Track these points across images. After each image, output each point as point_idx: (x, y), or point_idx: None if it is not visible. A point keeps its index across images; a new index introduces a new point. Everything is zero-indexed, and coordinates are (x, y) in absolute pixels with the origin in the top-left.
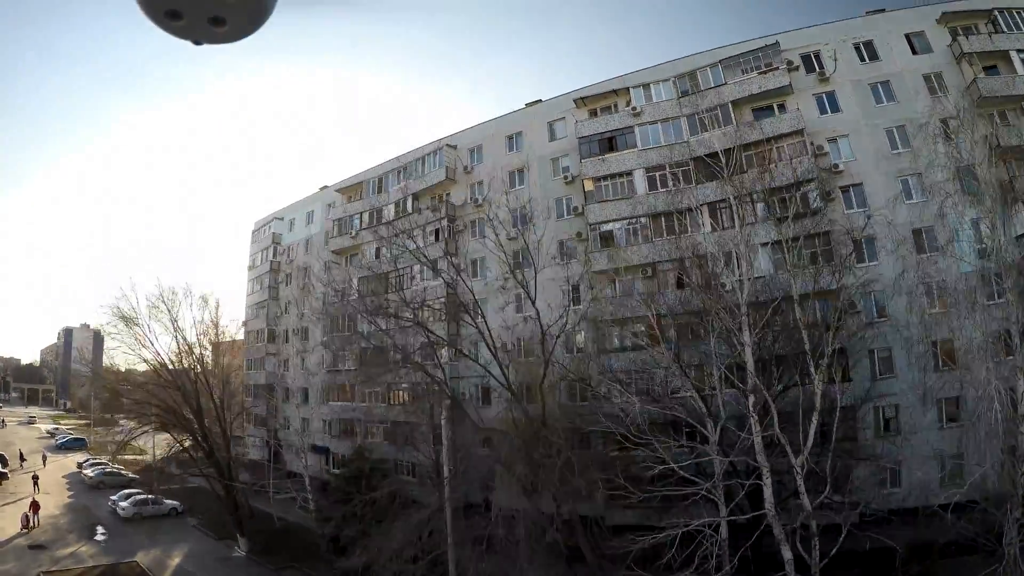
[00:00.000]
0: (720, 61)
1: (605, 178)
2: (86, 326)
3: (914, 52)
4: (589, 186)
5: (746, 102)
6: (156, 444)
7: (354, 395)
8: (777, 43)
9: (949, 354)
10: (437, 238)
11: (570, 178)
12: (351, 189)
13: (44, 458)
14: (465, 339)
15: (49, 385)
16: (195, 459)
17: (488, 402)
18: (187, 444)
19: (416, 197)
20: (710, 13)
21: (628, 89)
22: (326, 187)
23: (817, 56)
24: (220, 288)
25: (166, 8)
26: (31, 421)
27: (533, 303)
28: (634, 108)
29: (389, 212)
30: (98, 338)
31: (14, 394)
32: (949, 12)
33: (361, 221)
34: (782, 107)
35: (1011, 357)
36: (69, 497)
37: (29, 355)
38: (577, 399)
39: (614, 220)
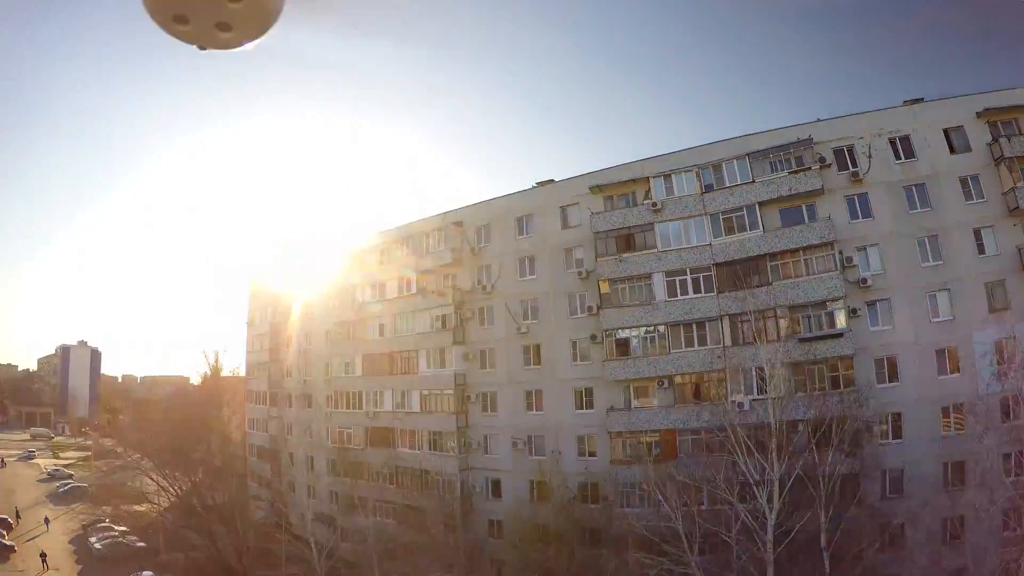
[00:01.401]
0: (748, 154)
1: (622, 280)
2: (84, 343)
3: (952, 151)
4: (605, 288)
5: (774, 202)
6: (158, 492)
7: (362, 473)
8: (810, 138)
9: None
10: (444, 325)
11: (584, 274)
12: (352, 257)
13: (47, 521)
14: (475, 429)
15: (47, 408)
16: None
17: (499, 495)
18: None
19: (421, 275)
20: (737, 92)
21: (648, 178)
22: (326, 246)
23: (851, 151)
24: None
25: (174, 12)
26: (30, 456)
27: None
28: (654, 204)
29: (392, 288)
30: (95, 356)
31: (11, 413)
32: (992, 108)
33: (363, 294)
34: (811, 208)
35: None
36: (79, 575)
37: (25, 361)
38: (589, 500)
39: (631, 327)
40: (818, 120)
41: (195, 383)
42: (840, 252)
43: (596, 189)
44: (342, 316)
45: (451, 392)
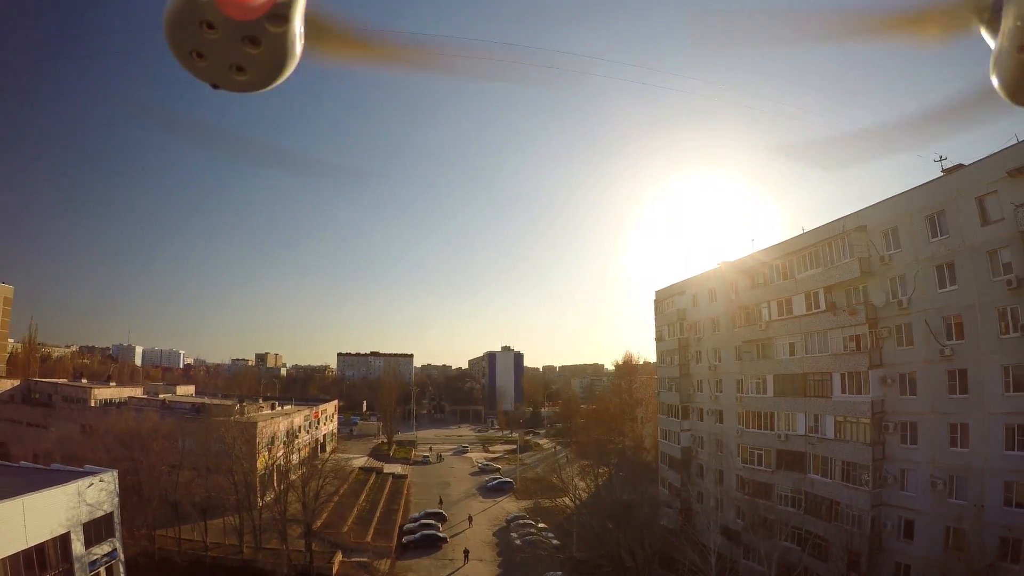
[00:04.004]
0: None
1: None
2: (507, 348)
3: None
4: None
5: None
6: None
7: (770, 494)
8: None
9: None
10: (858, 345)
11: (1014, 282)
12: (750, 271)
13: (470, 519)
14: (891, 461)
15: (478, 405)
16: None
17: (910, 536)
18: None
19: (828, 290)
20: None
21: None
22: (725, 262)
23: None
24: None
25: (192, 48)
26: (464, 451)
27: None
28: None
29: (799, 304)
30: (518, 358)
31: (447, 410)
32: None
33: (769, 311)
34: None
35: None
36: (499, 567)
37: (457, 362)
38: (1009, 560)
39: None
40: None
41: (609, 369)
42: None
43: (1016, 172)
44: (750, 334)
45: (867, 420)
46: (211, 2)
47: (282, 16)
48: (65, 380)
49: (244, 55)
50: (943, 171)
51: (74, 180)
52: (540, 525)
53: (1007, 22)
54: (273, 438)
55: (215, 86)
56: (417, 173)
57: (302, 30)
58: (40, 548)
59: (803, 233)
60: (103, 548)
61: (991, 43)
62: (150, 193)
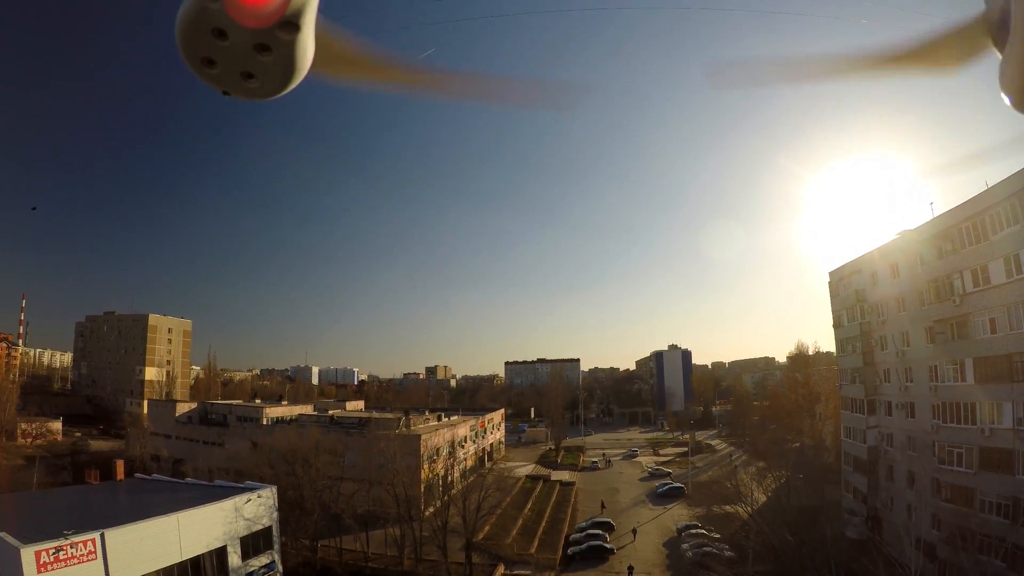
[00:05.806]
0: None
1: None
2: (675, 346)
3: None
4: None
5: None
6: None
7: (971, 500)
8: None
9: None
10: None
11: None
12: (942, 237)
13: (634, 531)
14: None
15: (646, 407)
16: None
17: None
18: None
19: None
20: None
21: None
22: (906, 231)
23: None
24: None
25: (203, 55)
26: (633, 455)
27: None
28: None
29: (997, 270)
30: (686, 356)
31: (615, 413)
32: None
33: (962, 282)
34: None
35: None
36: None
37: (624, 364)
38: None
39: None
40: None
41: (781, 362)
42: None
43: None
44: (941, 311)
45: None
46: (222, 10)
47: (293, 24)
48: (240, 401)
49: (255, 62)
50: None
51: (253, 221)
52: (715, 536)
53: (1016, 32)
54: (437, 450)
55: (226, 93)
56: (572, 175)
57: (313, 38)
58: (195, 561)
59: (994, 186)
60: (261, 560)
61: (1000, 57)
62: (325, 231)
